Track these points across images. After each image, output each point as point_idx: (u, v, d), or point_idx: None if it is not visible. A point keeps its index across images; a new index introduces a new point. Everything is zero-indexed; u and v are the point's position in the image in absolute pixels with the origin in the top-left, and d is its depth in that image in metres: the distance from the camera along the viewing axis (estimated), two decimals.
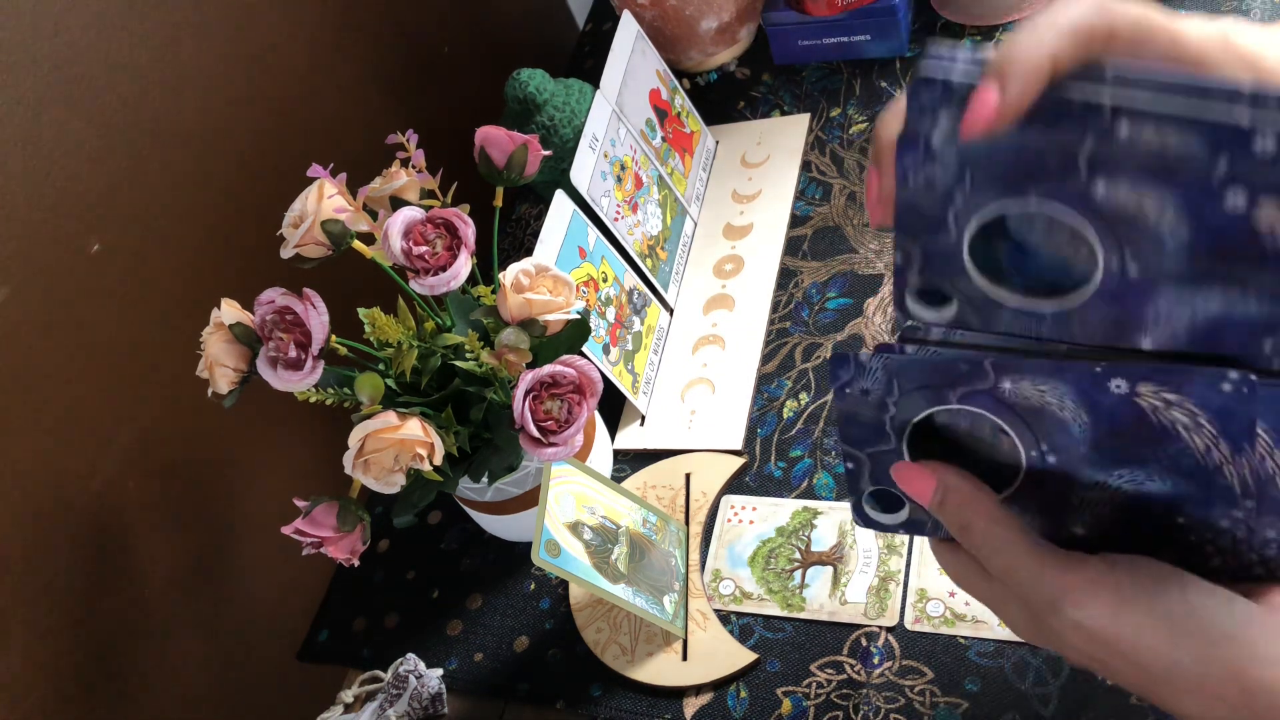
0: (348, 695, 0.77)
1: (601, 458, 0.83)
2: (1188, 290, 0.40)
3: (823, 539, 0.75)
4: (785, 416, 0.82)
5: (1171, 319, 0.41)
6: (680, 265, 0.94)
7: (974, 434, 0.44)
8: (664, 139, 0.94)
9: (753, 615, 0.74)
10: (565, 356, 0.68)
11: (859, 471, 0.48)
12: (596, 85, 0.88)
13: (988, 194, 0.41)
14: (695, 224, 0.97)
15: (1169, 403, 0.38)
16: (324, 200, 0.69)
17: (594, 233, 0.84)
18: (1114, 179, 0.39)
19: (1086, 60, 0.38)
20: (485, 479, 0.74)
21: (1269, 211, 0.37)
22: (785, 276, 0.90)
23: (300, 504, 0.67)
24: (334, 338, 0.67)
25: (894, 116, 0.42)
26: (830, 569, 0.73)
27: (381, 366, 0.72)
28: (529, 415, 0.66)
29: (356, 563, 0.68)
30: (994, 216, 0.42)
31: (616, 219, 0.86)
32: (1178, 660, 0.39)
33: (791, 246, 0.92)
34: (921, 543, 0.72)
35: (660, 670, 0.73)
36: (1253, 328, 0.39)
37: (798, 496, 0.78)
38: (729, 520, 0.78)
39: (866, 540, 0.73)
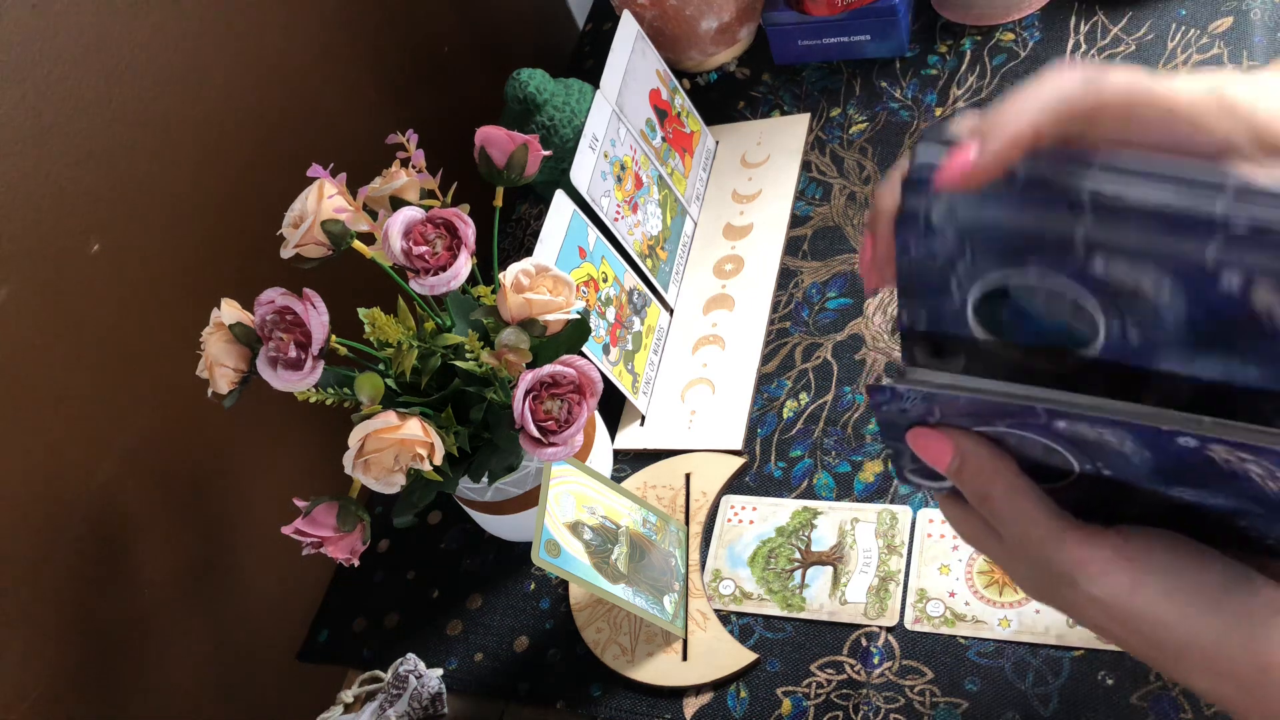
0: (348, 695, 0.77)
1: (601, 458, 0.83)
2: (1188, 354, 0.40)
3: (823, 539, 0.75)
4: (785, 416, 0.82)
5: (1174, 379, 0.40)
6: (680, 265, 0.94)
7: (1021, 449, 0.44)
8: (664, 139, 0.94)
9: (753, 615, 0.74)
10: (565, 356, 0.68)
11: (900, 456, 0.48)
12: (596, 85, 0.88)
13: (988, 265, 0.42)
14: (695, 224, 0.97)
15: (1243, 459, 0.38)
16: (324, 200, 0.69)
17: (594, 233, 0.84)
18: (1111, 258, 0.39)
19: (1073, 135, 0.39)
20: (485, 479, 0.74)
21: (1264, 294, 0.37)
22: (785, 276, 0.90)
23: (300, 504, 0.67)
24: (334, 338, 0.67)
25: (893, 186, 0.42)
26: (830, 569, 0.73)
27: (381, 366, 0.72)
28: (529, 415, 0.66)
29: (356, 563, 0.68)
30: (996, 285, 0.42)
31: (616, 219, 0.86)
32: (1193, 638, 0.39)
33: (791, 246, 0.92)
34: (921, 542, 0.72)
35: (660, 670, 0.73)
36: (1254, 392, 0.39)
37: (798, 496, 0.78)
38: (729, 520, 0.78)
39: (866, 540, 0.73)
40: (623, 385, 0.84)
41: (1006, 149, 0.38)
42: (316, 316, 0.65)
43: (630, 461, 0.85)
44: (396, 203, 0.71)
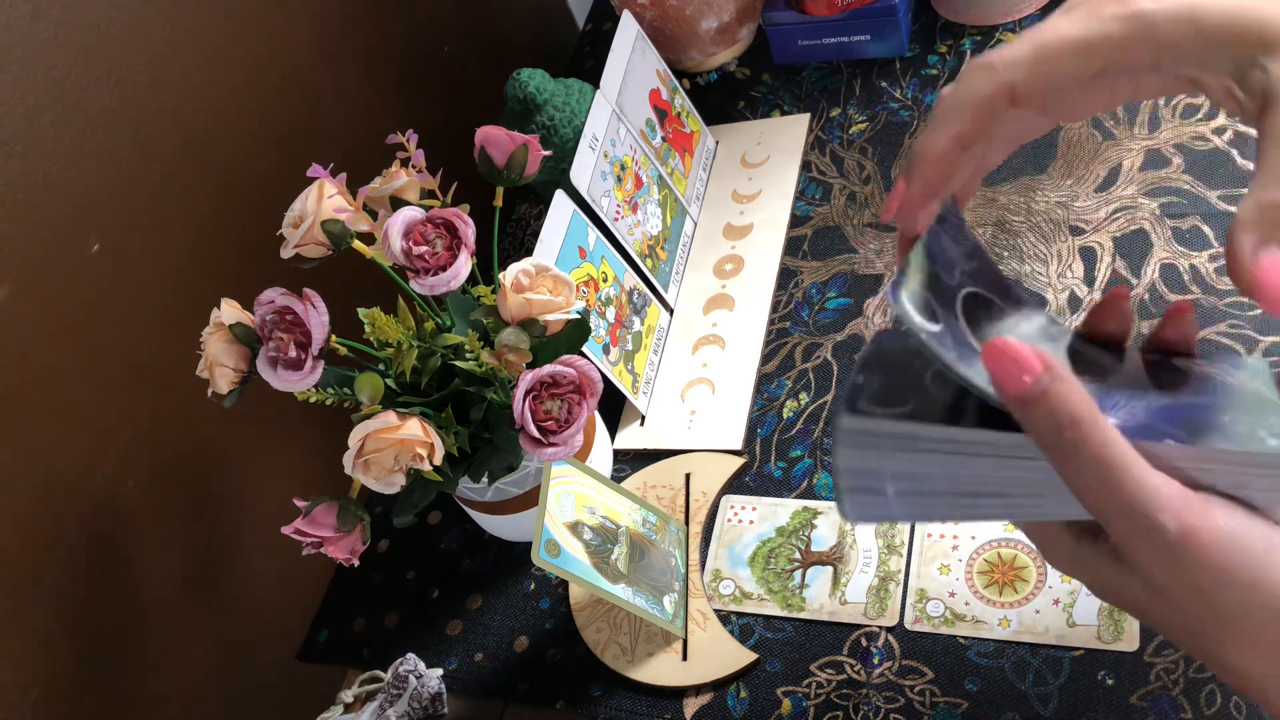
0: (348, 695, 0.77)
1: (601, 458, 0.83)
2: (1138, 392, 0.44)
3: (823, 539, 0.75)
4: (785, 416, 0.82)
5: (1130, 404, 0.43)
6: (680, 265, 0.94)
7: (1019, 329, 0.46)
8: (664, 139, 0.94)
9: (753, 615, 0.74)
10: (565, 356, 0.68)
11: (873, 483, 0.44)
12: (596, 85, 0.88)
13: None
14: (695, 224, 0.97)
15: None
16: (324, 200, 0.69)
17: (594, 233, 0.84)
18: None
19: (992, 124, 0.43)
20: (485, 479, 0.74)
21: None
22: (785, 276, 0.90)
23: (300, 504, 0.67)
24: (334, 338, 0.67)
25: (935, 136, 0.44)
26: (830, 569, 0.73)
27: (381, 366, 0.72)
28: (529, 415, 0.66)
29: (356, 563, 0.68)
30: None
31: (616, 219, 0.86)
32: (1252, 603, 0.38)
33: (791, 246, 0.92)
34: (921, 542, 0.72)
35: (660, 670, 0.73)
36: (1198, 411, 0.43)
37: (798, 496, 0.78)
38: (729, 520, 0.78)
39: (866, 540, 0.73)
40: (623, 385, 0.84)
41: (936, 172, 0.43)
42: (316, 316, 0.65)
43: (630, 461, 0.85)
44: (396, 203, 0.71)
